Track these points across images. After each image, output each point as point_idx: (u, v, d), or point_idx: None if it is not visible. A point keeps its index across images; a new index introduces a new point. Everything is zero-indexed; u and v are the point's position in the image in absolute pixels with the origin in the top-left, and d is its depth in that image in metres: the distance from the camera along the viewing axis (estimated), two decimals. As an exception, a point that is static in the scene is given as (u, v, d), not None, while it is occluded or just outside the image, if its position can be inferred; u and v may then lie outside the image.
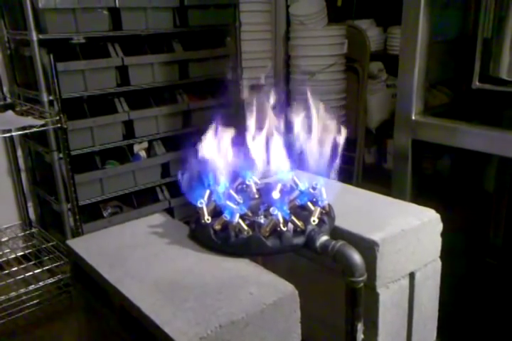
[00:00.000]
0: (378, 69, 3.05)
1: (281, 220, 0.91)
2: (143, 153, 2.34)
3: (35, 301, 1.95)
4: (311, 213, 0.96)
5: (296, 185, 1.06)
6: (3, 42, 2.14)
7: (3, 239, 2.27)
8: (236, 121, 0.99)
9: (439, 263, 1.12)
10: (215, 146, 0.99)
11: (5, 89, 2.19)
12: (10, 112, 1.85)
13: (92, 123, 2.10)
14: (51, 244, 2.21)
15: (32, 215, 2.40)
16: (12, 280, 1.99)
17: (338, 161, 0.98)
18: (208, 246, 0.96)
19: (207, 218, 0.96)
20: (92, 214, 2.23)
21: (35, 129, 1.74)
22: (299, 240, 0.92)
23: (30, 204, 2.39)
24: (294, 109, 1.02)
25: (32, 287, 1.96)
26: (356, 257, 0.90)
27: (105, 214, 2.27)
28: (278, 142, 1.00)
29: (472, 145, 1.46)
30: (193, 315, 0.77)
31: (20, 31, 2.01)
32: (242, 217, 0.94)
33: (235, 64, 2.54)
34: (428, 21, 1.51)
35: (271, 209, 0.92)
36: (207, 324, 0.75)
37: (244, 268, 0.90)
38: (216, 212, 0.99)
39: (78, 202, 1.97)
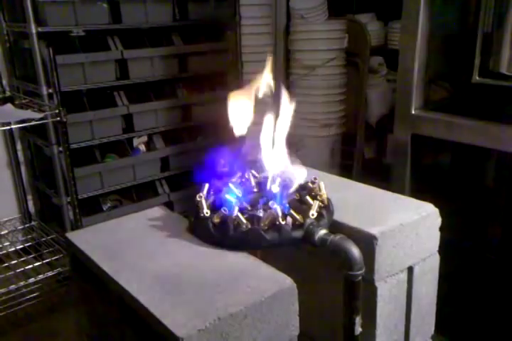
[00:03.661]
0: (379, 63, 3.04)
1: (280, 214, 0.91)
2: (142, 147, 2.34)
3: (34, 294, 1.96)
4: (309, 207, 0.96)
5: (296, 178, 1.06)
6: (2, 35, 2.13)
7: (2, 232, 2.27)
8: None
9: (437, 258, 1.12)
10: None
11: (4, 82, 2.19)
12: (9, 105, 1.85)
13: (91, 116, 2.10)
14: (51, 237, 2.21)
15: (31, 208, 2.41)
16: (12, 273, 1.99)
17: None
18: (206, 239, 0.96)
19: (206, 211, 0.96)
20: (91, 208, 2.23)
21: (34, 122, 1.73)
22: (298, 234, 0.93)
23: (29, 198, 2.39)
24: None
25: (31, 280, 1.97)
26: (355, 251, 0.90)
27: (104, 207, 2.28)
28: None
29: (472, 139, 1.46)
30: (192, 308, 0.77)
31: (19, 24, 2.00)
32: (241, 210, 0.94)
33: (235, 58, 2.53)
34: (428, 16, 1.50)
35: (270, 203, 0.92)
36: (205, 316, 0.75)
37: (242, 261, 0.91)
38: (215, 206, 0.99)
39: (78, 195, 1.97)
